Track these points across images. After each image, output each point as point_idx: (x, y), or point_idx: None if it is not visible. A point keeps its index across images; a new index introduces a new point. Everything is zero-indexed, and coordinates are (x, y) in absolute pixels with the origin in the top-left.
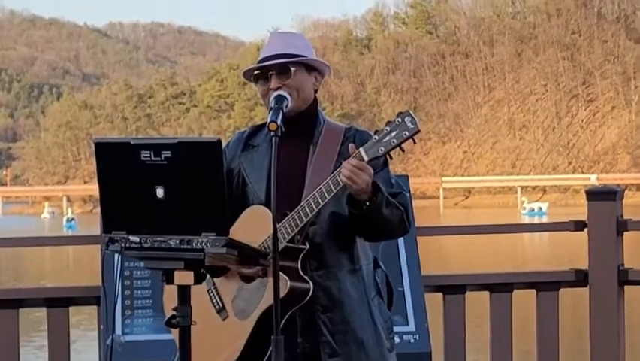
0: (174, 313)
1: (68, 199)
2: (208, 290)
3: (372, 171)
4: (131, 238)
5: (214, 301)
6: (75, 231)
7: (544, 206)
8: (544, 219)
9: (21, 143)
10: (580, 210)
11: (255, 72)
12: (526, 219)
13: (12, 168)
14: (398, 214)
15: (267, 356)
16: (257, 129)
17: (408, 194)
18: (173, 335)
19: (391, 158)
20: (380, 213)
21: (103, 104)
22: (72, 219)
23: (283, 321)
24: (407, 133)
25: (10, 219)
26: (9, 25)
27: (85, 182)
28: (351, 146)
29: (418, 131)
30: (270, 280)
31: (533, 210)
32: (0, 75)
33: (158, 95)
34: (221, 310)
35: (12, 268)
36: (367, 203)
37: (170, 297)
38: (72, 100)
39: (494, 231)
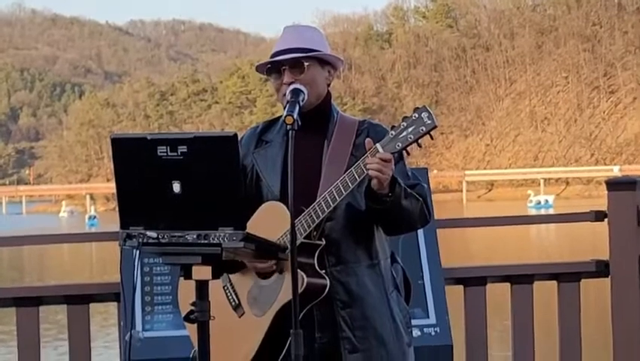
0: (191, 308)
1: (91, 197)
2: (224, 287)
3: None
4: (149, 233)
5: (230, 297)
6: (97, 228)
7: (551, 198)
8: (551, 212)
9: (44, 142)
10: (603, 201)
11: (268, 66)
12: (533, 212)
13: (35, 167)
14: (417, 205)
15: (285, 351)
16: (270, 124)
17: (426, 185)
18: (189, 331)
19: (408, 153)
20: (400, 205)
21: (125, 102)
22: (94, 217)
23: (300, 316)
24: (424, 129)
25: (33, 218)
26: (30, 25)
27: (107, 180)
28: (367, 141)
29: (435, 126)
30: (287, 276)
31: (540, 202)
32: (22, 74)
33: (180, 92)
34: (237, 306)
35: (35, 266)
36: (387, 196)
37: (184, 293)
38: (94, 98)
39: (514, 222)
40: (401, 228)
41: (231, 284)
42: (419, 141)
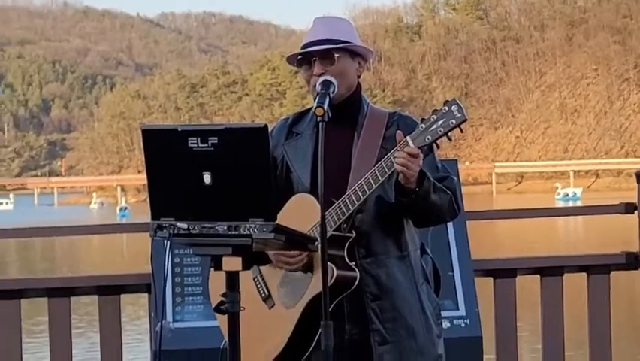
0: (222, 299)
1: (122, 189)
2: (254, 278)
3: (422, 158)
4: (179, 224)
5: (260, 289)
6: (128, 219)
7: (579, 191)
8: (579, 204)
9: (75, 134)
10: (633, 194)
11: (299, 57)
12: (560, 204)
13: (67, 159)
14: (446, 198)
15: (314, 343)
16: (300, 116)
17: (455, 178)
18: (219, 321)
19: (438, 146)
20: (428, 199)
21: (156, 94)
22: (125, 208)
23: (330, 308)
24: (454, 122)
25: (64, 209)
26: (62, 17)
27: (139, 171)
28: (398, 133)
29: (466, 119)
30: (317, 268)
31: (567, 195)
32: (54, 67)
33: (211, 84)
34: (267, 298)
35: (67, 257)
36: (415, 190)
37: (215, 284)
38: (125, 90)
39: (543, 215)
40: (430, 221)
41: (262, 276)
42: (449, 133)
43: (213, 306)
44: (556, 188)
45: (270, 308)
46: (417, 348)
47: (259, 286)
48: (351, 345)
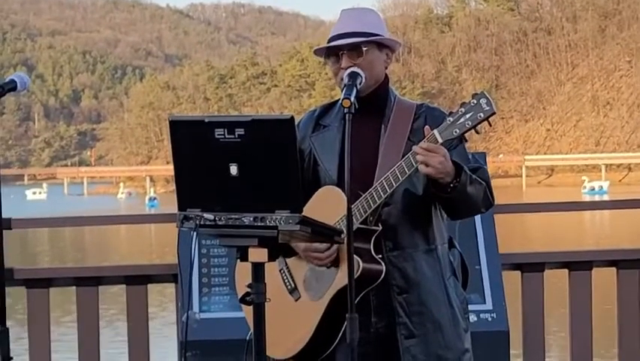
0: (248, 290)
1: (151, 179)
2: (280, 270)
3: (445, 151)
4: (206, 215)
5: (286, 281)
6: (157, 210)
7: (605, 185)
8: (605, 198)
9: (105, 124)
10: None
11: (326, 50)
12: (587, 198)
13: (96, 149)
14: (481, 189)
15: (340, 336)
16: (327, 108)
17: (486, 167)
18: (245, 313)
19: (466, 140)
20: (465, 192)
21: (185, 85)
22: (154, 198)
23: (356, 301)
24: (482, 115)
25: (94, 199)
26: (93, 8)
27: (167, 162)
28: (426, 128)
29: (494, 113)
30: (342, 261)
31: (594, 188)
32: (84, 57)
33: (240, 75)
34: (293, 290)
35: (96, 247)
36: (452, 184)
37: (242, 275)
38: (155, 81)
39: (573, 208)
40: (465, 212)
41: (288, 268)
42: (477, 127)
43: (239, 297)
44: (583, 181)
45: (296, 301)
46: (443, 342)
47: (285, 278)
48: (377, 338)
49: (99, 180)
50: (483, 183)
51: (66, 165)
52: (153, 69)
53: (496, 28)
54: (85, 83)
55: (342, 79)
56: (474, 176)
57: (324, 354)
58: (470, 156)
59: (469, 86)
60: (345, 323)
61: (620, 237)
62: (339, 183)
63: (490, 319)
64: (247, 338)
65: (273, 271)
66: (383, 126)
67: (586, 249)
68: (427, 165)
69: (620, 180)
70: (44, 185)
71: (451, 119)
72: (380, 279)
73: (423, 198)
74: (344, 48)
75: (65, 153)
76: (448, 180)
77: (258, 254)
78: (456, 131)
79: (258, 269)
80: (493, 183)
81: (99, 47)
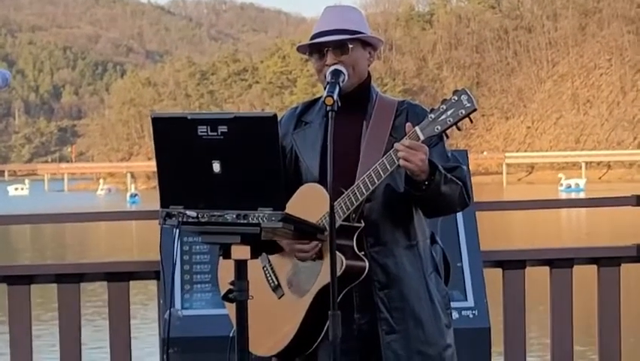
0: (231, 287)
1: (132, 176)
2: (263, 267)
3: (427, 149)
4: (188, 212)
5: (269, 278)
6: (138, 206)
7: (582, 182)
8: (582, 195)
9: (86, 120)
10: None
11: (310, 47)
12: (564, 196)
13: (77, 145)
14: (457, 189)
15: (324, 333)
16: (309, 105)
17: (465, 167)
18: (228, 310)
19: (447, 137)
20: (439, 191)
21: (166, 81)
22: (135, 194)
23: (339, 298)
24: (463, 111)
25: (74, 195)
26: (73, 4)
27: (148, 158)
28: (407, 124)
29: (475, 109)
30: (326, 258)
31: (570, 186)
32: (65, 53)
33: (221, 71)
34: (276, 287)
35: (77, 243)
36: (426, 183)
37: (224, 272)
38: (136, 77)
39: (554, 206)
40: (440, 211)
41: (271, 265)
42: (459, 123)
43: (221, 294)
44: (560, 179)
45: (279, 298)
46: (424, 338)
47: (268, 275)
48: (359, 335)
49: (80, 176)
50: (459, 183)
51: (46, 161)
52: (134, 65)
53: (477, 25)
54: (65, 79)
55: (325, 76)
56: (449, 175)
57: (307, 351)
58: (450, 154)
59: (450, 83)
60: (329, 320)
61: (600, 234)
62: (321, 180)
63: (471, 316)
64: (231, 335)
65: (256, 269)
66: (365, 123)
67: (567, 246)
68: (408, 162)
69: (599, 178)
70: (26, 181)
71: (433, 116)
72: (363, 276)
73: (404, 195)
74: (329, 45)
75: (46, 149)
76: (423, 177)
77: (240, 251)
78: (437, 128)
79: (240, 266)
80: (474, 180)
81: (80, 42)
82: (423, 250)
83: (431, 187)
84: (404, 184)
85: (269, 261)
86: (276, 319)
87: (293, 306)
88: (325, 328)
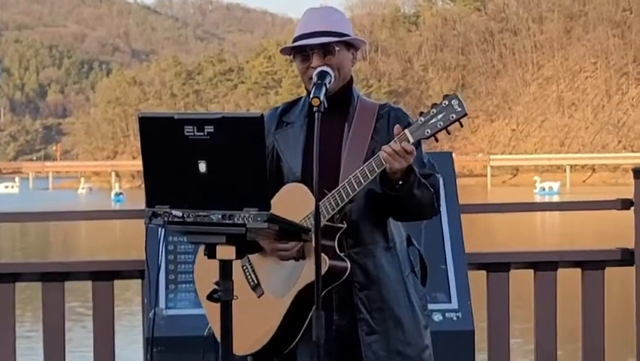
0: (212, 287)
1: (117, 174)
2: (243, 267)
3: (415, 153)
4: (174, 212)
5: (249, 277)
6: (123, 205)
7: (556, 185)
8: (555, 199)
9: (71, 118)
10: (630, 189)
11: (294, 48)
12: (538, 199)
13: (62, 144)
14: (429, 196)
15: (302, 333)
16: (290, 106)
17: (440, 175)
18: (205, 309)
19: (437, 140)
20: (411, 193)
21: (152, 81)
22: (120, 193)
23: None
24: (454, 116)
25: (59, 193)
26: (60, 2)
27: (133, 157)
28: (397, 127)
29: (466, 114)
30: (308, 258)
31: (544, 189)
32: (51, 52)
33: (207, 71)
34: (256, 287)
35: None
36: (400, 183)
37: (200, 272)
38: (121, 76)
39: (537, 209)
40: (408, 216)
41: (250, 264)
42: (448, 128)
43: (199, 294)
44: (535, 182)
45: (258, 297)
46: (404, 338)
47: (248, 274)
48: (338, 336)
49: (64, 174)
50: (432, 190)
51: (31, 160)
52: (120, 64)
53: (462, 27)
54: (51, 77)
55: (310, 78)
56: (423, 181)
57: (285, 351)
58: (426, 160)
59: (435, 85)
60: (308, 320)
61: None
62: (303, 180)
63: (455, 318)
64: (205, 333)
65: (235, 268)
66: (347, 125)
67: (551, 250)
68: (397, 162)
69: (584, 181)
70: (17, 179)
71: (423, 119)
72: (345, 276)
73: (383, 196)
74: (315, 47)
75: (31, 147)
76: (398, 177)
77: (225, 251)
78: (427, 132)
79: (225, 267)
80: (459, 182)
81: (66, 41)
82: (400, 251)
83: (404, 188)
84: (379, 182)
85: (249, 260)
86: (254, 318)
87: (272, 306)
88: (304, 328)
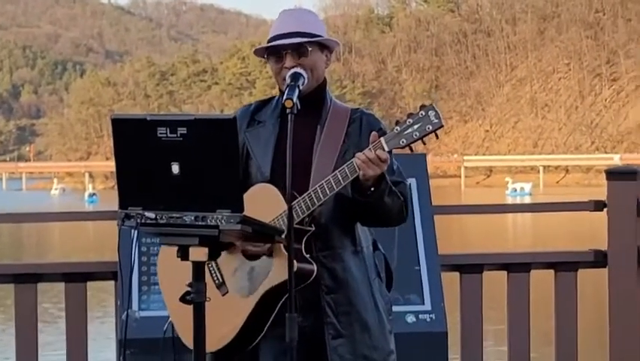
0: (188, 289)
1: (90, 175)
2: (208, 265)
3: (389, 162)
4: (147, 213)
5: (214, 275)
6: (96, 206)
7: (527, 186)
8: (527, 200)
9: (44, 119)
10: (603, 190)
11: (268, 49)
12: (509, 200)
13: (35, 144)
14: (398, 203)
15: (264, 331)
16: (263, 104)
17: (409, 183)
18: (169, 309)
19: (412, 150)
20: (382, 200)
21: (125, 81)
22: (94, 194)
23: (283, 300)
24: (430, 127)
25: (33, 194)
26: (33, 3)
27: (107, 158)
28: (373, 134)
29: (442, 126)
30: (276, 259)
31: (516, 190)
32: (24, 52)
33: (180, 72)
34: (221, 285)
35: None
36: (372, 190)
37: (165, 270)
38: (95, 77)
39: (510, 210)
40: (377, 222)
41: (216, 263)
42: (424, 138)
43: (164, 293)
44: (507, 183)
45: (222, 295)
46: (370, 342)
47: (213, 272)
48: (302, 338)
49: (38, 175)
50: (401, 198)
51: (5, 160)
52: (94, 65)
53: (436, 29)
54: (25, 78)
55: (284, 78)
56: (394, 188)
57: (247, 348)
58: (395, 167)
59: (409, 86)
60: (272, 319)
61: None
62: (272, 181)
63: (428, 319)
64: (164, 328)
65: None
66: (319, 127)
67: (525, 251)
68: (370, 169)
69: (557, 182)
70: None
71: (399, 128)
72: (311, 279)
73: (352, 201)
74: (288, 48)
75: (4, 147)
76: (369, 184)
77: (198, 253)
78: (403, 141)
79: (198, 268)
80: (433, 183)
81: (39, 42)
82: (367, 256)
83: (375, 195)
84: (350, 188)
85: None
86: (218, 316)
87: (237, 304)
88: (267, 326)
